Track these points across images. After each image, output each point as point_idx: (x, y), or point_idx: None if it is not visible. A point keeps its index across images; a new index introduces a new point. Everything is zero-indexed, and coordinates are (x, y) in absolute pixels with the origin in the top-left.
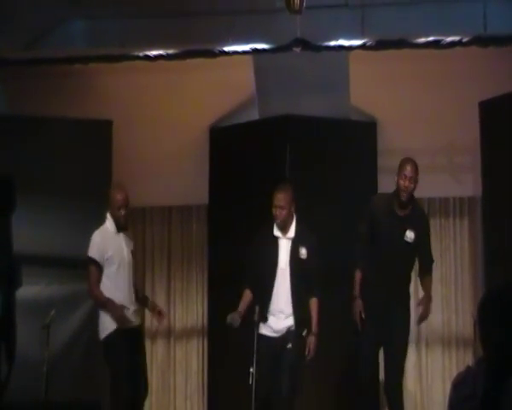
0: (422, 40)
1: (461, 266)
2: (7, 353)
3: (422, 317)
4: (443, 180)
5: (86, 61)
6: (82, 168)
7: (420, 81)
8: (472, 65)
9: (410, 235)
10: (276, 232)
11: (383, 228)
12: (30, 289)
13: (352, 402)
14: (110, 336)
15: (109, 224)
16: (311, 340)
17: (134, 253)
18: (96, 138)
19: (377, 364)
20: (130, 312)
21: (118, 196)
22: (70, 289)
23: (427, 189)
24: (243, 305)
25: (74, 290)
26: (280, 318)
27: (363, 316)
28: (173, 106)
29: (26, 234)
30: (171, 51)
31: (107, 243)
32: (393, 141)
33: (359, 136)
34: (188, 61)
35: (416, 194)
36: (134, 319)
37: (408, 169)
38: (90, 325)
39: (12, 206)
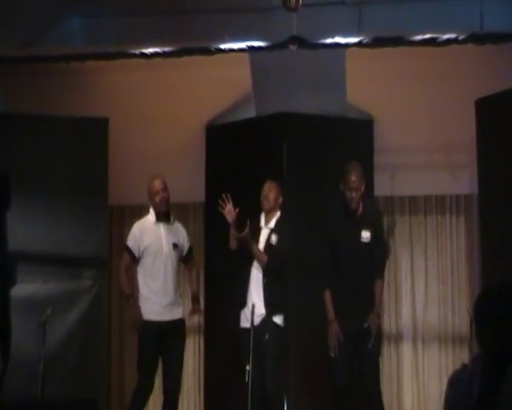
0: (419, 38)
1: (457, 264)
2: (2, 350)
3: (372, 336)
4: (439, 178)
5: (83, 59)
6: (78, 166)
7: (416, 79)
8: (468, 63)
9: (365, 235)
10: (261, 223)
11: (339, 235)
12: (26, 287)
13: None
14: (143, 324)
15: (150, 215)
16: None
17: (181, 245)
18: (92, 136)
19: (352, 367)
20: (164, 304)
21: (153, 183)
22: (67, 286)
23: (424, 186)
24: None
25: (71, 288)
26: (254, 305)
27: (341, 339)
28: (170, 104)
29: (23, 232)
30: (167, 49)
31: (145, 233)
32: (390, 139)
33: (356, 134)
34: (184, 58)
35: (413, 192)
36: (165, 313)
37: (352, 180)
38: (86, 322)
39: (7, 203)
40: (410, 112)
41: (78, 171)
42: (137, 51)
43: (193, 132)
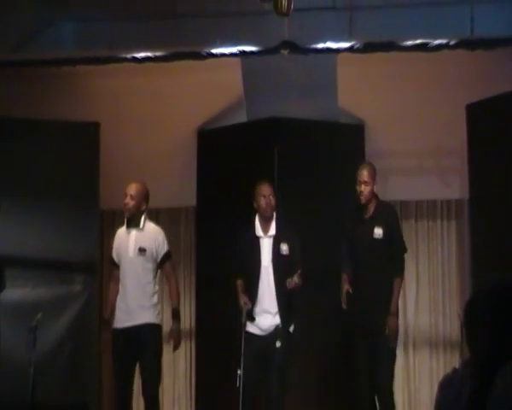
0: (410, 43)
1: (448, 269)
2: None
3: (388, 336)
4: (430, 183)
5: (74, 63)
6: (69, 170)
7: (407, 84)
8: (459, 68)
9: (378, 232)
10: (258, 232)
11: (353, 233)
12: (16, 292)
13: (338, 400)
14: (112, 334)
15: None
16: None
17: (150, 249)
18: (83, 140)
19: (371, 373)
20: (126, 309)
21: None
22: (57, 291)
23: (415, 191)
24: (242, 295)
25: (61, 293)
26: (267, 317)
27: (351, 291)
28: (161, 108)
29: (13, 236)
30: (158, 53)
31: (118, 241)
32: (381, 143)
33: (347, 138)
34: (176, 63)
35: (404, 196)
36: (129, 318)
37: (362, 174)
38: (77, 327)
39: None
40: (401, 117)
41: (69, 175)
42: (129, 55)
43: (184, 137)
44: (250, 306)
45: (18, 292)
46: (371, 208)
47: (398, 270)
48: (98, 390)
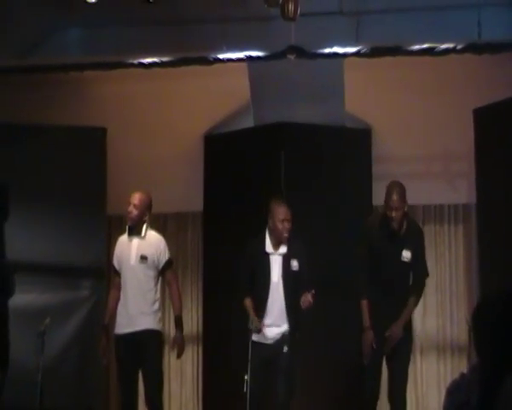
0: (417, 47)
1: (455, 273)
2: (1, 361)
3: (388, 343)
4: (438, 187)
5: (81, 69)
6: (76, 176)
7: (415, 88)
8: (466, 72)
9: (406, 255)
10: (269, 249)
11: (379, 251)
12: (24, 298)
13: (344, 405)
14: (114, 340)
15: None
16: None
17: (152, 257)
18: (90, 146)
19: (380, 378)
20: (127, 315)
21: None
22: (65, 296)
23: (422, 196)
24: (253, 311)
25: (68, 298)
26: (274, 329)
27: (374, 346)
28: (168, 113)
29: (21, 241)
30: (165, 59)
31: (120, 249)
32: (388, 148)
33: (354, 143)
34: (182, 68)
35: (412, 201)
36: (130, 324)
37: (394, 199)
38: (85, 332)
39: (5, 214)
40: (409, 121)
41: (76, 181)
42: (136, 61)
43: (191, 142)
44: (260, 326)
45: (25, 297)
46: (402, 228)
47: (419, 292)
48: (105, 395)
